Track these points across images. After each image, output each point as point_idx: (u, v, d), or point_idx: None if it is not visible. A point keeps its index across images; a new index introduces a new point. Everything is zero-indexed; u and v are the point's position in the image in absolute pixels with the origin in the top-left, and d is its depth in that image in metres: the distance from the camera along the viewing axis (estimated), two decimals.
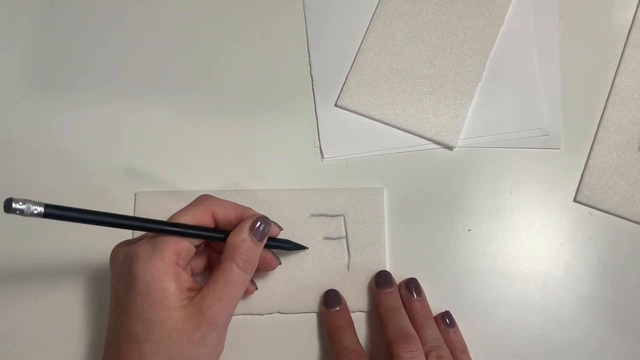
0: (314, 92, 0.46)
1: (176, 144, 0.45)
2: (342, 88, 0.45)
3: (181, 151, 0.45)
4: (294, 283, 0.41)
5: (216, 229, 0.35)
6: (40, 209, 0.28)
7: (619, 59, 0.45)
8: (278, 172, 0.44)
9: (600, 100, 0.45)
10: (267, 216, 0.36)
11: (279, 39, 0.47)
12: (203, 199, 0.35)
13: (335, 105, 0.45)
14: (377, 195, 0.43)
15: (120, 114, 0.45)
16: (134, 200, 0.43)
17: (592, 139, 0.44)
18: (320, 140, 0.45)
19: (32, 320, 0.41)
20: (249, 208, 0.37)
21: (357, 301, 0.41)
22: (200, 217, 0.34)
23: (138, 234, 0.42)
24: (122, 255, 0.34)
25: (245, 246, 0.34)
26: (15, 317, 0.41)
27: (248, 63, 0.46)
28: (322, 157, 0.44)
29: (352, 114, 0.45)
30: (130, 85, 0.46)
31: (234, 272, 0.33)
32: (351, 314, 0.40)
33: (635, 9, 0.46)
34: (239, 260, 0.33)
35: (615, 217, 0.42)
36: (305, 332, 0.41)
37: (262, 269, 0.39)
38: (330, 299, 0.40)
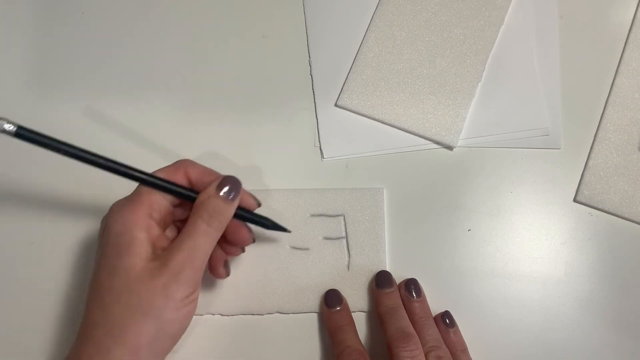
0: (314, 92, 0.46)
1: (176, 144, 0.45)
2: (342, 88, 0.45)
3: (181, 151, 0.45)
4: (294, 283, 0.41)
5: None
6: (13, 128, 0.29)
7: (619, 59, 0.45)
8: (278, 172, 0.44)
9: (600, 100, 0.45)
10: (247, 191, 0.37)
11: (279, 39, 0.47)
12: (180, 161, 0.36)
13: (335, 105, 0.45)
14: (377, 195, 0.43)
15: (119, 113, 0.45)
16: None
17: (592, 139, 0.44)
18: (320, 140, 0.45)
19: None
20: (222, 175, 0.36)
21: (357, 301, 0.41)
22: (173, 176, 0.35)
23: None
24: (104, 218, 0.34)
25: (211, 202, 0.34)
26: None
27: (248, 63, 0.46)
28: (322, 157, 0.44)
29: (352, 114, 0.45)
30: (130, 85, 0.46)
31: (197, 224, 0.33)
32: (351, 313, 0.40)
33: (635, 9, 0.46)
34: (204, 215, 0.33)
35: (615, 217, 0.42)
36: (305, 332, 0.41)
37: (235, 242, 0.37)
38: (332, 299, 0.40)
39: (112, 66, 0.47)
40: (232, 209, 0.35)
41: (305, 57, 0.47)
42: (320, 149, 0.44)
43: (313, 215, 0.43)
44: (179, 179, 0.35)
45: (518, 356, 0.40)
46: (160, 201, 0.34)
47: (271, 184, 0.44)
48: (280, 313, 0.41)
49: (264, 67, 0.46)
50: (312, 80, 0.46)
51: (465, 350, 0.39)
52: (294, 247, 0.42)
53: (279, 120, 0.45)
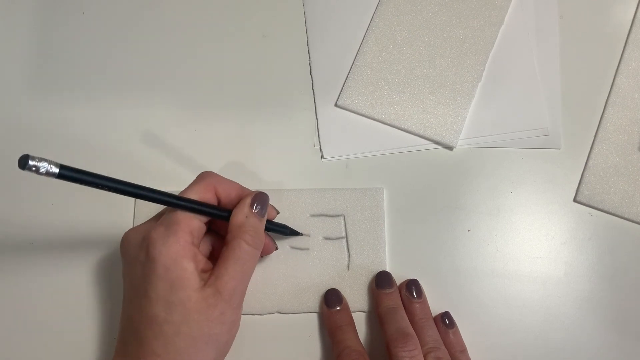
0: (314, 92, 0.46)
1: (176, 144, 0.45)
2: (342, 88, 0.45)
3: (181, 151, 0.45)
4: (294, 283, 0.41)
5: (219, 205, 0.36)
6: (55, 169, 0.28)
7: (619, 59, 0.45)
8: (278, 172, 0.44)
9: (600, 100, 0.45)
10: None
11: (279, 39, 0.47)
12: (206, 176, 0.35)
13: (335, 105, 0.45)
14: (377, 195, 0.43)
15: (120, 113, 0.45)
16: (134, 200, 0.43)
17: (592, 139, 0.44)
18: (320, 140, 0.45)
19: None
20: (247, 188, 0.37)
21: (357, 301, 0.41)
22: (204, 195, 0.34)
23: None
24: (137, 241, 0.34)
25: (250, 222, 0.34)
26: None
27: (248, 63, 0.46)
28: (322, 157, 0.44)
29: (352, 114, 0.45)
30: (130, 85, 0.46)
31: (244, 249, 0.33)
32: (351, 313, 0.40)
33: (635, 9, 0.46)
34: (246, 237, 0.34)
35: (615, 217, 0.42)
36: (305, 332, 0.41)
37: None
38: (332, 299, 0.40)
39: (112, 66, 0.47)
40: (264, 224, 0.36)
41: (305, 57, 0.47)
42: (320, 149, 0.44)
43: (313, 215, 0.43)
44: (211, 197, 0.35)
45: (518, 356, 0.40)
46: (198, 225, 0.34)
47: (271, 184, 0.44)
48: (280, 313, 0.41)
49: (264, 67, 0.46)
50: (312, 80, 0.46)
51: (464, 350, 0.39)
52: (294, 247, 0.42)
53: (279, 120, 0.45)
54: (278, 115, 0.45)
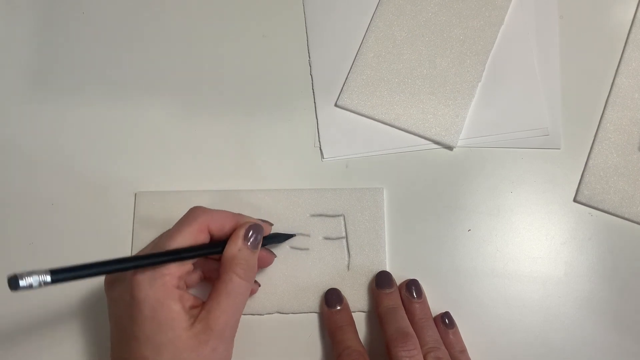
0: (314, 92, 0.46)
1: (176, 144, 0.45)
2: (342, 88, 0.45)
3: (181, 151, 0.45)
4: (294, 283, 0.41)
5: (211, 241, 0.35)
6: (48, 278, 0.27)
7: (619, 59, 0.45)
8: (278, 172, 0.44)
9: (600, 100, 0.45)
10: (258, 219, 0.37)
11: (279, 39, 0.47)
12: (197, 214, 0.35)
13: (335, 105, 0.45)
14: (377, 195, 0.43)
15: (120, 113, 0.45)
16: (134, 200, 0.43)
17: (592, 139, 0.44)
18: (320, 140, 0.45)
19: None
20: (241, 215, 0.37)
21: (357, 301, 0.41)
22: (197, 236, 0.34)
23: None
24: (121, 282, 0.33)
25: (242, 255, 0.34)
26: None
27: (248, 63, 0.46)
28: (322, 157, 0.44)
29: (352, 114, 0.45)
30: (131, 85, 0.46)
31: (236, 283, 0.33)
32: (351, 313, 0.40)
33: (635, 9, 0.46)
34: (238, 270, 0.33)
35: (615, 217, 0.42)
36: (305, 332, 0.41)
37: (260, 266, 0.39)
38: (332, 298, 0.40)
39: (112, 66, 0.47)
40: (257, 255, 0.35)
41: (305, 57, 0.47)
42: (320, 149, 0.44)
43: (313, 215, 0.43)
44: (203, 237, 0.34)
45: (518, 356, 0.40)
46: (187, 268, 0.33)
47: (271, 184, 0.44)
48: (280, 313, 0.41)
49: (264, 67, 0.46)
50: (312, 80, 0.46)
51: (464, 351, 0.39)
52: (294, 247, 0.42)
53: (279, 120, 0.45)
54: (278, 115, 0.45)
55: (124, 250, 0.42)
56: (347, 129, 0.45)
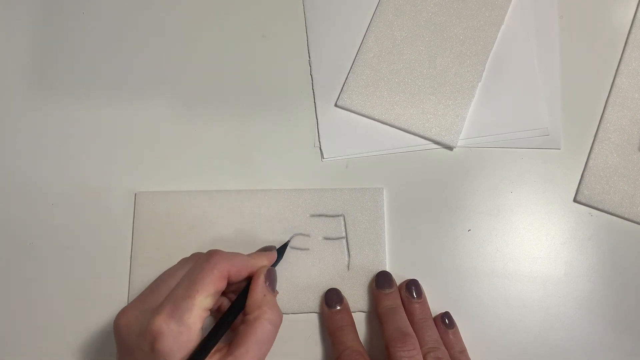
0: (314, 92, 0.46)
1: (176, 144, 0.45)
2: (342, 88, 0.45)
3: (181, 151, 0.45)
4: (294, 283, 0.41)
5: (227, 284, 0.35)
6: None
7: (619, 59, 0.45)
8: (278, 172, 0.44)
9: (600, 100, 0.45)
10: (267, 248, 0.39)
11: (279, 39, 0.47)
12: (216, 261, 0.33)
13: (335, 105, 0.45)
14: (377, 195, 0.43)
15: (120, 113, 0.45)
16: (134, 200, 0.43)
17: (592, 139, 0.44)
18: (320, 140, 0.45)
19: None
20: (253, 257, 0.37)
21: (357, 301, 0.41)
22: (218, 284, 0.33)
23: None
24: (138, 329, 0.31)
25: (268, 300, 0.34)
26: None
27: (248, 63, 0.46)
28: (322, 157, 0.44)
29: (352, 114, 0.45)
30: (130, 85, 0.46)
31: (267, 330, 0.33)
32: (351, 313, 0.40)
33: (635, 9, 0.46)
34: (269, 315, 0.33)
35: (615, 217, 0.42)
36: (305, 332, 0.41)
37: None
38: (332, 299, 0.40)
39: (112, 66, 0.47)
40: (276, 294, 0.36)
41: (305, 57, 0.47)
42: (320, 149, 0.44)
43: (313, 215, 0.43)
44: (223, 285, 0.34)
45: (518, 356, 0.40)
46: (207, 315, 0.32)
47: (271, 184, 0.44)
48: None
49: (264, 67, 0.46)
50: (312, 80, 0.46)
51: (464, 351, 0.39)
52: (294, 247, 0.42)
53: (279, 120, 0.45)
54: (278, 115, 0.45)
55: (124, 250, 0.42)
56: (347, 129, 0.45)
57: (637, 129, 0.44)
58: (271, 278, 0.36)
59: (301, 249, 0.42)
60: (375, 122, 0.45)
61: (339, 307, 0.40)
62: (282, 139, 0.45)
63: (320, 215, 0.43)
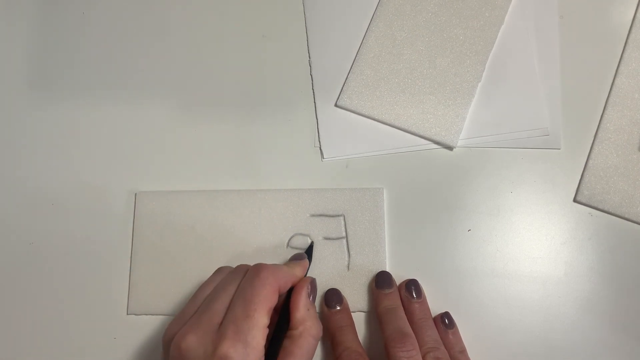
0: (314, 92, 0.46)
1: (176, 144, 0.45)
2: (342, 88, 0.45)
3: (181, 151, 0.45)
4: None
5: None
6: None
7: (619, 59, 0.45)
8: (278, 172, 0.44)
9: (600, 100, 0.45)
10: (300, 255, 0.39)
11: (279, 39, 0.47)
12: (265, 277, 0.33)
13: (335, 105, 0.45)
14: (377, 195, 0.43)
15: (120, 113, 0.46)
16: (134, 200, 0.43)
17: (592, 139, 0.44)
18: (320, 140, 0.45)
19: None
20: (293, 266, 0.37)
21: (357, 301, 0.41)
22: (274, 302, 0.33)
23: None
24: (202, 353, 0.31)
25: (311, 314, 0.35)
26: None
27: (248, 63, 0.46)
28: (322, 157, 0.44)
29: (352, 114, 0.45)
30: (130, 85, 0.46)
31: (312, 345, 0.34)
32: (351, 314, 0.40)
33: (635, 9, 0.46)
34: (314, 332, 0.34)
35: (615, 217, 0.42)
36: None
37: None
38: (332, 299, 0.40)
39: (112, 66, 0.47)
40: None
41: (305, 57, 0.47)
42: (320, 149, 0.44)
43: (313, 215, 0.43)
44: (276, 299, 0.34)
45: (518, 356, 0.40)
46: (267, 333, 0.32)
47: (271, 184, 0.44)
48: None
49: (264, 67, 0.46)
50: (312, 80, 0.46)
51: (463, 351, 0.39)
52: (294, 247, 0.42)
53: (279, 120, 0.45)
54: (278, 115, 0.45)
55: (124, 250, 0.42)
56: (347, 129, 0.45)
57: (637, 129, 0.44)
58: (313, 290, 0.36)
59: (301, 249, 0.42)
60: (375, 122, 0.45)
61: (338, 307, 0.40)
62: (282, 139, 0.45)
63: (320, 215, 0.43)
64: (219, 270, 0.37)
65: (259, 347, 0.31)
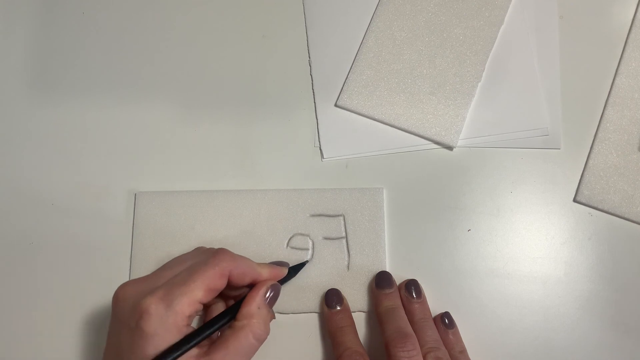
0: (314, 92, 0.46)
1: (176, 144, 0.45)
2: (342, 88, 0.45)
3: (181, 151, 0.45)
4: (294, 283, 0.41)
5: (227, 286, 0.35)
6: None
7: (619, 59, 0.45)
8: (278, 172, 0.44)
9: (600, 100, 0.45)
10: (276, 263, 0.38)
11: (279, 39, 0.47)
12: (222, 258, 0.34)
13: (335, 105, 0.45)
14: (377, 195, 0.43)
15: (120, 113, 0.45)
16: (134, 200, 0.43)
17: (592, 139, 0.44)
18: (320, 140, 0.45)
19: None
20: (261, 266, 0.37)
21: (357, 301, 0.41)
22: (217, 282, 0.33)
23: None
24: (131, 304, 0.32)
25: (261, 314, 0.34)
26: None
27: (248, 63, 0.46)
28: (322, 157, 0.44)
29: (352, 114, 0.45)
30: (130, 85, 0.46)
31: (250, 342, 0.33)
32: (351, 314, 0.40)
33: (635, 9, 0.46)
34: (256, 330, 0.33)
35: (615, 217, 0.42)
36: (305, 332, 0.41)
37: None
38: (332, 299, 0.40)
39: (112, 66, 0.47)
40: (271, 316, 0.35)
41: (305, 57, 0.47)
42: (320, 149, 0.44)
43: (313, 215, 0.43)
44: (222, 283, 0.34)
45: (518, 356, 0.40)
46: (199, 307, 0.33)
47: (271, 184, 0.44)
48: (280, 313, 0.41)
49: (263, 67, 0.46)
50: (312, 80, 0.46)
51: (463, 351, 0.39)
52: (293, 247, 0.42)
53: (279, 120, 0.45)
54: (278, 115, 0.45)
55: (124, 250, 0.42)
56: (347, 129, 0.45)
57: (637, 129, 0.44)
58: (273, 294, 0.35)
59: (301, 249, 0.42)
60: (375, 122, 0.45)
61: (339, 308, 0.40)
62: (282, 139, 0.45)
63: (320, 215, 0.43)
64: (195, 249, 0.38)
65: (182, 314, 0.31)
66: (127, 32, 0.47)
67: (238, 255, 0.35)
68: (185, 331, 0.32)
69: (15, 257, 0.43)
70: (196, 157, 0.45)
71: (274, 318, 0.37)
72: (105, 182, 0.44)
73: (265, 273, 0.36)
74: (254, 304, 0.34)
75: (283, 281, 0.39)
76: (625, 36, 0.46)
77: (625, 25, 0.46)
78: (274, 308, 0.37)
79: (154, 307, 0.31)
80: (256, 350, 0.34)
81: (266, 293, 0.35)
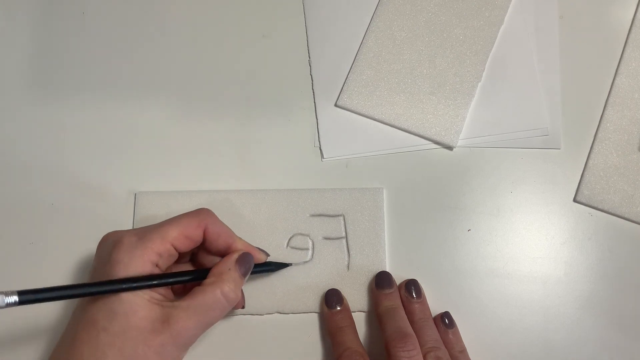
0: (314, 92, 0.46)
1: (176, 144, 0.45)
2: (342, 88, 0.45)
3: (181, 151, 0.45)
4: (294, 283, 0.41)
5: (202, 244, 0.35)
6: (15, 298, 0.29)
7: (619, 59, 0.45)
8: (278, 172, 0.44)
9: (600, 100, 0.45)
10: (256, 247, 0.38)
11: (279, 39, 0.47)
12: (203, 212, 0.36)
13: (335, 105, 0.45)
14: (377, 195, 0.43)
15: (120, 114, 0.45)
16: (134, 200, 0.43)
17: (592, 139, 0.44)
18: (320, 140, 0.45)
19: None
20: (240, 239, 0.37)
21: (357, 301, 0.41)
22: (193, 231, 0.34)
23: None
24: (111, 242, 0.34)
25: (231, 275, 0.34)
26: None
27: (248, 63, 0.46)
28: (322, 157, 0.44)
29: (352, 114, 0.45)
30: (130, 85, 0.46)
31: (217, 297, 0.33)
32: (351, 314, 0.40)
33: (635, 9, 0.46)
34: (225, 287, 0.33)
35: (615, 217, 0.42)
36: (305, 332, 0.41)
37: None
38: (332, 299, 0.40)
39: (112, 66, 0.47)
40: (243, 283, 0.35)
41: (305, 57, 0.47)
42: (320, 149, 0.44)
43: (313, 215, 0.43)
44: (198, 234, 0.35)
45: (518, 356, 0.40)
46: (170, 250, 0.33)
47: (271, 184, 0.44)
48: (280, 313, 0.41)
49: (263, 67, 0.46)
50: (312, 80, 0.46)
51: (463, 351, 0.39)
52: (293, 247, 0.42)
53: (279, 120, 0.45)
54: (278, 115, 0.45)
55: None
56: (347, 129, 0.45)
57: (637, 129, 0.44)
58: (244, 263, 0.35)
59: (301, 249, 0.42)
60: (375, 122, 0.45)
61: (339, 308, 0.40)
62: (282, 139, 0.45)
63: (320, 215, 0.43)
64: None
65: (151, 248, 0.32)
66: (127, 32, 0.47)
67: (219, 219, 0.36)
68: (153, 270, 0.33)
69: (15, 257, 0.42)
70: (196, 157, 0.45)
71: (243, 305, 0.38)
72: (105, 182, 0.44)
73: (240, 244, 0.37)
74: (225, 265, 0.34)
75: (260, 270, 0.39)
76: (625, 36, 0.46)
77: (625, 25, 0.46)
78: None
79: (127, 238, 0.33)
80: (223, 311, 0.33)
81: (240, 259, 0.35)
